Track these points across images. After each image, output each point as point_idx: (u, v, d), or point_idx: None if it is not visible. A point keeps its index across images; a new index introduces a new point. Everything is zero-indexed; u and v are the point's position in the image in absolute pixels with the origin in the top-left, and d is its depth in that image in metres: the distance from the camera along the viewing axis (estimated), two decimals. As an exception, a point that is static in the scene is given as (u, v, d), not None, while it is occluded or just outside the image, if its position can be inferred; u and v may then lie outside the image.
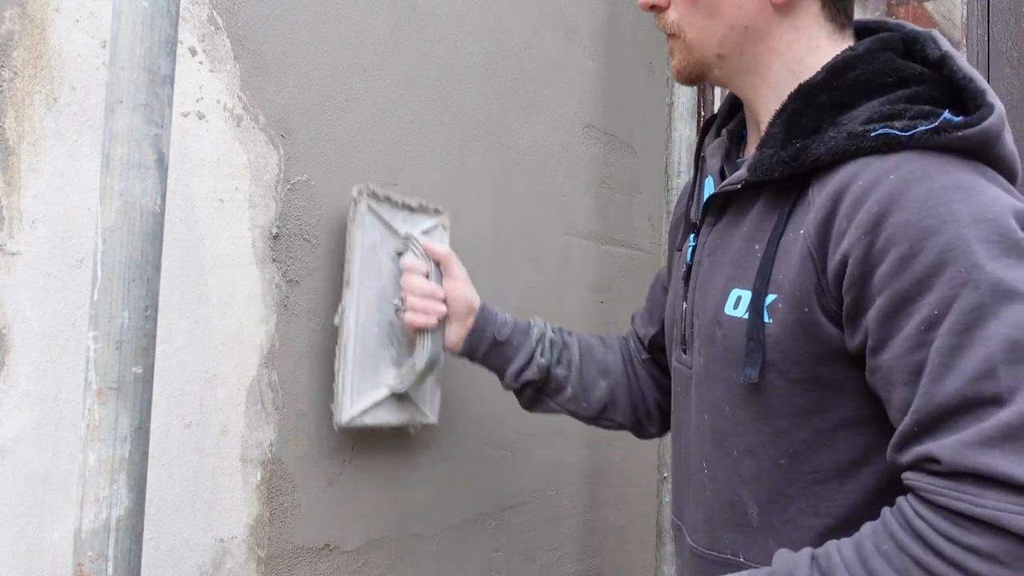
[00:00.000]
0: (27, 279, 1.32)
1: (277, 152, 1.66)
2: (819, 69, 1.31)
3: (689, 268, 1.49)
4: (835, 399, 1.26)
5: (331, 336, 1.75)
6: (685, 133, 2.63)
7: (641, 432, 1.88)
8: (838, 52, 1.33)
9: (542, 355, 1.77)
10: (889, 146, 1.19)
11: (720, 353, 1.36)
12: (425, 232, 1.86)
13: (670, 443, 1.63)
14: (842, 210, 1.19)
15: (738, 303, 1.33)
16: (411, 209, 1.84)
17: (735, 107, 1.56)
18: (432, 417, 1.92)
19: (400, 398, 1.84)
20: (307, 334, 1.72)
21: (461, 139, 2.09)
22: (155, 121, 1.10)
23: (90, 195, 1.38)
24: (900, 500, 1.15)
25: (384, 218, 1.78)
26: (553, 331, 1.82)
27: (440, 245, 1.80)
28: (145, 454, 1.11)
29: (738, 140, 1.52)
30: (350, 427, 1.75)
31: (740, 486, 1.36)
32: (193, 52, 1.53)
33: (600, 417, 1.84)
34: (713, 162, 1.49)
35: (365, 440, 1.84)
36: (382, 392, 1.80)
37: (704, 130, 1.60)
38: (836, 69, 1.29)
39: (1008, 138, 1.23)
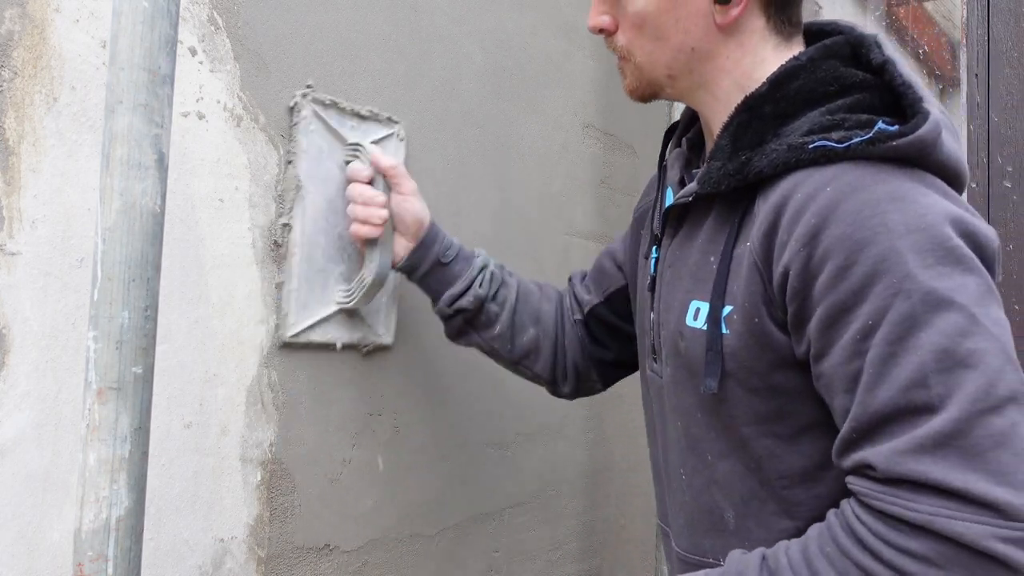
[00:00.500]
0: (27, 279, 1.32)
1: (277, 152, 1.66)
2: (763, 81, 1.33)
3: (653, 280, 1.51)
4: (793, 405, 1.27)
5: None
6: (685, 133, 2.62)
7: (554, 389, 1.89)
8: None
9: (480, 286, 1.75)
10: (827, 158, 1.20)
11: (684, 363, 1.38)
12: (376, 142, 1.81)
13: (648, 450, 1.63)
14: (783, 223, 1.20)
15: (697, 314, 1.35)
16: (361, 117, 1.79)
17: (696, 116, 1.57)
18: (387, 337, 1.87)
19: (351, 315, 1.79)
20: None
21: (461, 139, 2.09)
22: (155, 121, 1.10)
23: (90, 195, 1.38)
24: (843, 503, 1.18)
25: (331, 125, 1.73)
26: (495, 266, 1.80)
27: (388, 157, 1.74)
28: (145, 454, 1.11)
29: (698, 149, 1.53)
30: (296, 342, 1.70)
31: (716, 491, 1.37)
32: (193, 52, 1.53)
33: (519, 363, 1.84)
34: (672, 173, 1.51)
35: (358, 434, 1.84)
36: (330, 308, 1.75)
37: (667, 138, 1.61)
38: (778, 81, 1.31)
39: (948, 141, 1.24)
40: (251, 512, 1.63)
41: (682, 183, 1.48)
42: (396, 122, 1.87)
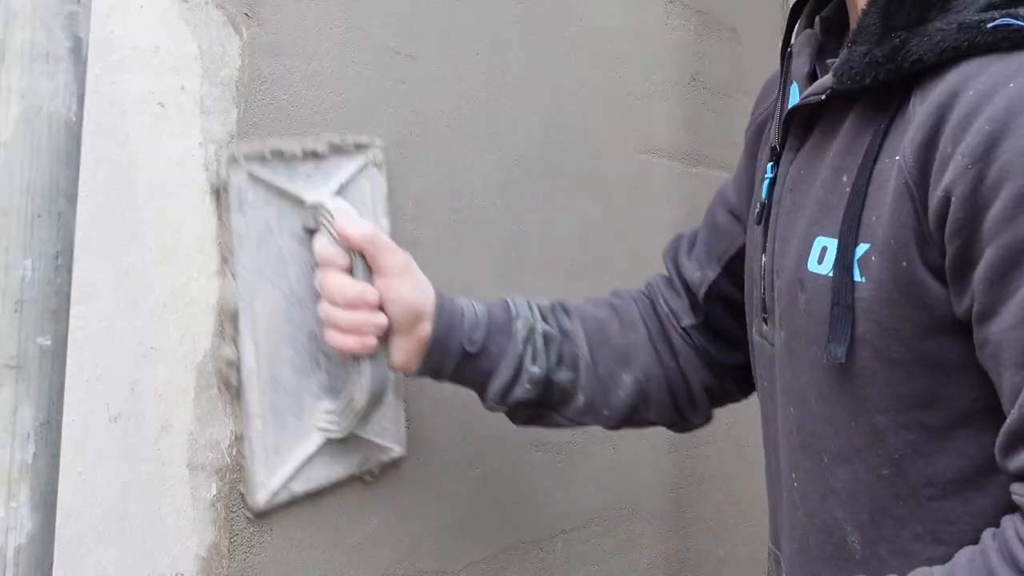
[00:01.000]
0: None
1: (239, 38, 1.65)
2: None
3: (765, 208, 1.50)
4: (949, 386, 1.26)
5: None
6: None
7: (681, 426, 1.89)
8: None
9: (534, 361, 1.70)
10: (1012, 42, 1.17)
11: (804, 325, 1.37)
12: (344, 186, 1.75)
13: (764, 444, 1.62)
14: (947, 129, 1.18)
15: (823, 256, 1.33)
16: (318, 156, 1.72)
17: None
18: (398, 448, 1.86)
19: (343, 440, 1.76)
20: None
21: (496, 18, 2.08)
22: (68, -7, 1.10)
23: (-21, 97, 1.38)
24: (1004, 521, 1.16)
25: (276, 185, 1.67)
26: (544, 317, 1.75)
27: (359, 224, 1.66)
28: (56, 458, 1.11)
29: (837, 32, 1.52)
30: (273, 506, 1.67)
31: (835, 505, 1.37)
32: None
33: (628, 424, 1.82)
34: (799, 63, 1.50)
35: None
36: (314, 441, 1.73)
37: (792, 17, 1.59)
38: None
39: None
40: (203, 539, 1.64)
41: (812, 77, 1.47)
42: (367, 146, 1.81)
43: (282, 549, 1.73)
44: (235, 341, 1.63)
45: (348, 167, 1.77)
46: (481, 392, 1.73)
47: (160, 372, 1.57)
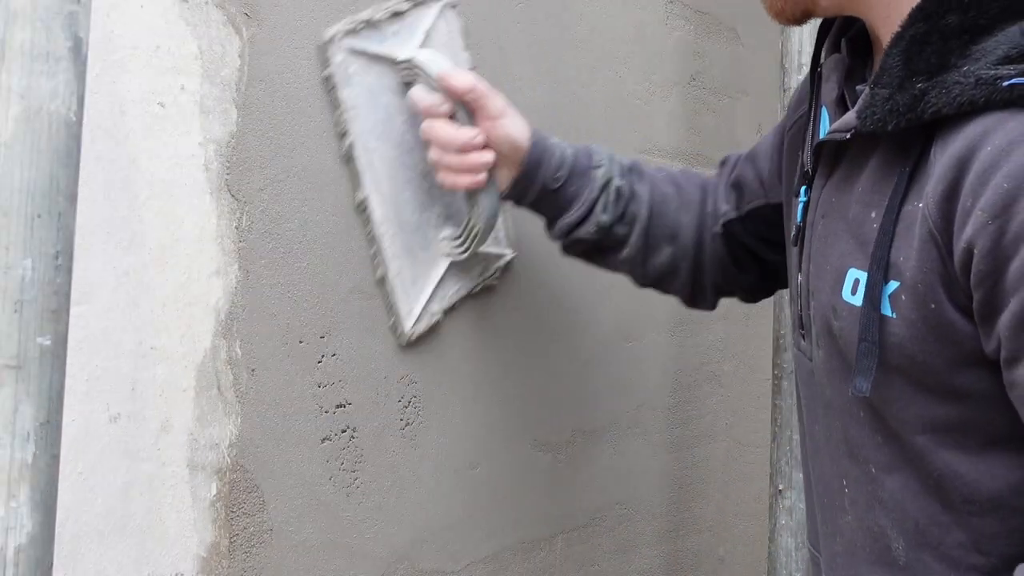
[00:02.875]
0: None
1: (239, 38, 1.65)
2: None
3: (800, 231, 1.54)
4: (982, 413, 1.28)
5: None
6: (810, 11, 2.62)
7: (692, 305, 2.00)
8: None
9: (605, 210, 1.83)
10: None
11: (842, 348, 1.39)
12: (428, 33, 1.88)
13: (798, 450, 1.65)
14: (967, 183, 1.20)
15: (856, 287, 1.36)
16: (399, 15, 1.84)
17: None
18: (509, 251, 2.04)
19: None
20: (283, 289, 1.72)
21: (496, 15, 2.08)
22: (68, -8, 1.10)
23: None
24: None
25: (372, 51, 1.80)
26: (621, 174, 1.86)
27: (459, 75, 1.78)
28: (56, 458, 1.11)
29: (863, 55, 1.54)
30: (425, 333, 1.86)
31: (881, 513, 1.39)
32: None
33: (651, 286, 1.95)
34: (829, 88, 1.53)
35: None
36: (442, 266, 1.92)
37: (821, 35, 1.62)
38: None
39: None
40: (203, 539, 1.63)
41: (841, 103, 1.50)
42: None
43: (282, 549, 1.72)
44: (362, 191, 1.80)
45: (428, 16, 1.89)
46: (551, 223, 1.88)
47: (160, 372, 1.57)
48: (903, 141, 1.32)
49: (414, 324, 1.85)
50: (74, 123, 1.11)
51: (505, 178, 1.82)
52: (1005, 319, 1.18)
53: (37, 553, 1.09)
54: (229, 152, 1.64)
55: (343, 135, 1.77)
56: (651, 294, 1.99)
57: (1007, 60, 1.21)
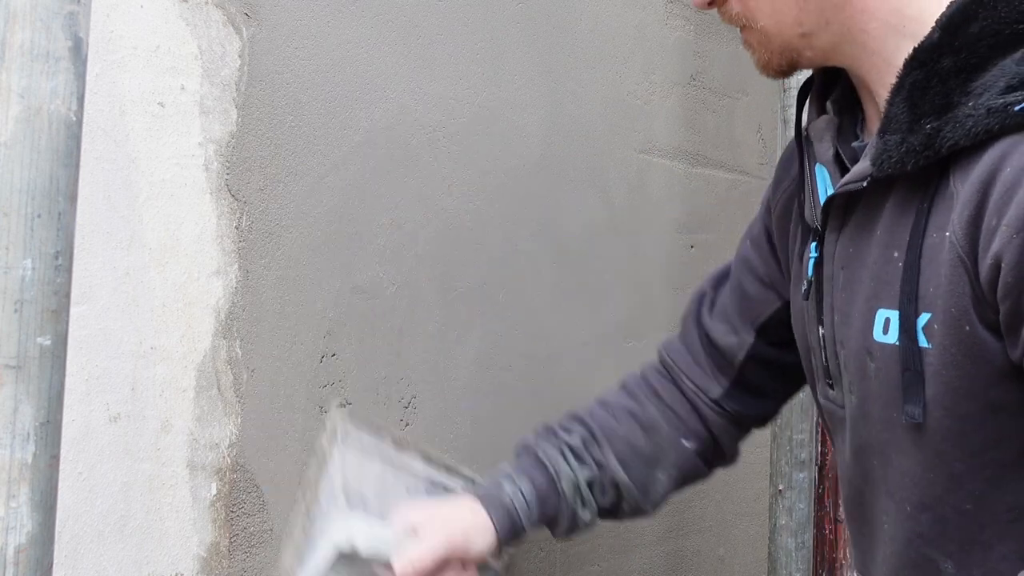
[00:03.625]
0: None
1: (239, 38, 1.65)
2: (931, 24, 1.34)
3: (812, 284, 1.55)
4: (1014, 423, 1.30)
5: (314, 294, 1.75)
6: (811, 10, 2.62)
7: (711, 472, 1.97)
8: None
9: (584, 506, 1.82)
10: None
11: (876, 389, 1.41)
12: (344, 485, 1.70)
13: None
14: (991, 204, 1.23)
15: (887, 327, 1.38)
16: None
17: (834, 71, 1.59)
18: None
19: None
20: (283, 289, 1.73)
21: (496, 17, 2.08)
22: (68, -7, 1.10)
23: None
24: None
25: None
26: (581, 459, 1.83)
27: (413, 562, 1.64)
28: (56, 458, 1.11)
29: (849, 113, 1.56)
30: None
31: (923, 545, 1.41)
32: None
33: (665, 503, 1.92)
34: (823, 148, 1.54)
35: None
36: None
37: (801, 98, 1.64)
38: (952, 24, 1.32)
39: None
40: (203, 539, 1.64)
41: (838, 160, 1.51)
42: (325, 437, 1.71)
43: (282, 549, 1.72)
44: None
45: (333, 462, 1.69)
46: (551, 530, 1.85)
47: (160, 372, 1.57)
48: (918, 179, 1.35)
49: None
50: (74, 123, 1.11)
51: (492, 554, 1.76)
52: None
53: (37, 553, 1.09)
54: (229, 152, 1.64)
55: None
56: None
57: (1010, 89, 1.25)
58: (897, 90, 1.35)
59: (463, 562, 1.69)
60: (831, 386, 1.53)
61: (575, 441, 1.83)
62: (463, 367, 2.03)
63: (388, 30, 1.86)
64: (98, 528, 1.52)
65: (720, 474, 2.70)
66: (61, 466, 1.14)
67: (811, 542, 2.67)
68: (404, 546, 1.63)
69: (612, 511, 1.85)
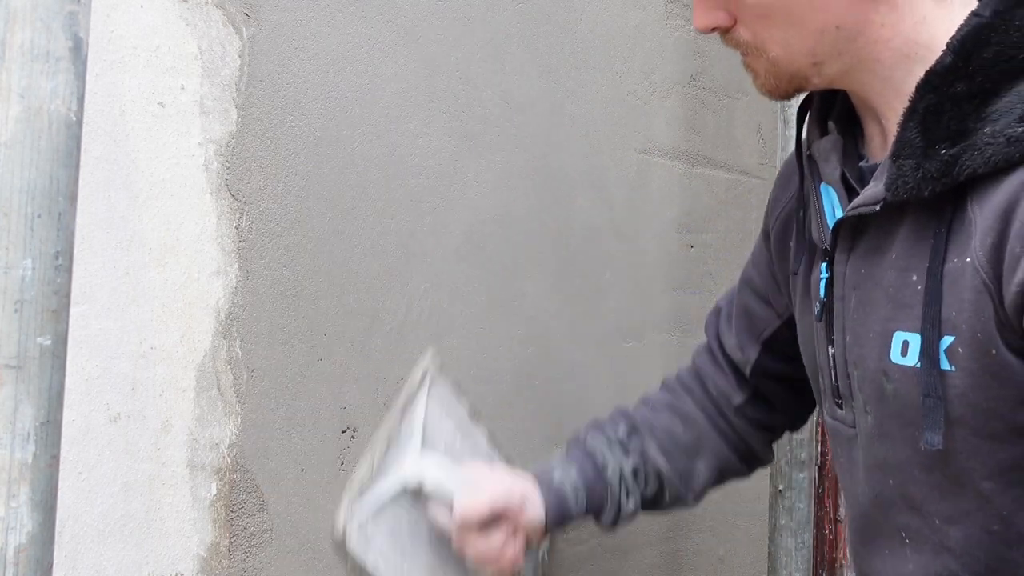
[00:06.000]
0: None
1: (239, 38, 1.65)
2: (942, 48, 1.34)
3: (824, 306, 1.55)
4: None
5: (313, 296, 1.75)
6: (811, 10, 2.62)
7: (751, 473, 2.00)
8: (954, 19, 1.35)
9: (629, 496, 1.85)
10: None
11: (896, 410, 1.41)
12: (425, 423, 1.81)
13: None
14: (1013, 231, 1.24)
15: (906, 349, 1.38)
16: (391, 439, 1.76)
17: (832, 89, 1.59)
18: None
19: None
20: (283, 289, 1.73)
21: (494, 17, 2.07)
22: (68, -8, 1.10)
23: (-22, 97, 1.38)
24: None
25: (380, 502, 1.73)
26: (627, 450, 1.87)
27: (471, 506, 1.73)
28: (56, 458, 1.11)
29: (850, 133, 1.56)
30: None
31: (949, 559, 1.42)
32: None
33: (706, 495, 1.95)
34: (829, 168, 1.53)
35: (357, 428, 1.84)
36: None
37: (801, 115, 1.64)
38: (965, 49, 1.32)
39: None
40: (203, 539, 1.64)
41: (845, 181, 1.51)
42: (424, 371, 1.81)
43: (282, 549, 1.72)
44: None
45: (419, 407, 1.79)
46: (595, 520, 1.88)
47: (160, 372, 1.57)
48: (934, 205, 1.35)
49: None
50: (74, 123, 1.11)
51: (537, 533, 1.83)
52: None
53: (37, 553, 1.09)
54: (229, 152, 1.64)
55: None
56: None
57: None
58: (910, 115, 1.34)
59: (515, 527, 1.74)
60: (839, 405, 1.54)
61: (620, 433, 1.88)
62: (463, 366, 2.03)
63: (388, 30, 1.86)
64: (98, 528, 1.52)
65: (720, 474, 2.70)
66: (61, 466, 1.13)
67: (811, 542, 2.67)
68: (466, 491, 1.71)
69: (655, 501, 1.88)
